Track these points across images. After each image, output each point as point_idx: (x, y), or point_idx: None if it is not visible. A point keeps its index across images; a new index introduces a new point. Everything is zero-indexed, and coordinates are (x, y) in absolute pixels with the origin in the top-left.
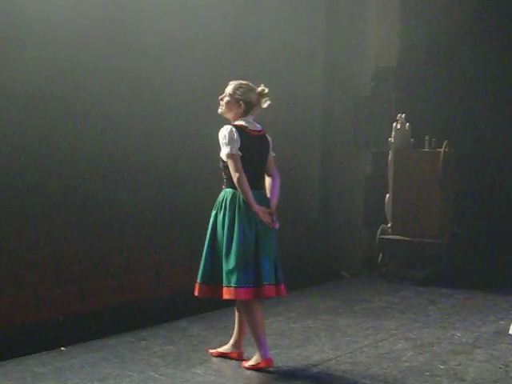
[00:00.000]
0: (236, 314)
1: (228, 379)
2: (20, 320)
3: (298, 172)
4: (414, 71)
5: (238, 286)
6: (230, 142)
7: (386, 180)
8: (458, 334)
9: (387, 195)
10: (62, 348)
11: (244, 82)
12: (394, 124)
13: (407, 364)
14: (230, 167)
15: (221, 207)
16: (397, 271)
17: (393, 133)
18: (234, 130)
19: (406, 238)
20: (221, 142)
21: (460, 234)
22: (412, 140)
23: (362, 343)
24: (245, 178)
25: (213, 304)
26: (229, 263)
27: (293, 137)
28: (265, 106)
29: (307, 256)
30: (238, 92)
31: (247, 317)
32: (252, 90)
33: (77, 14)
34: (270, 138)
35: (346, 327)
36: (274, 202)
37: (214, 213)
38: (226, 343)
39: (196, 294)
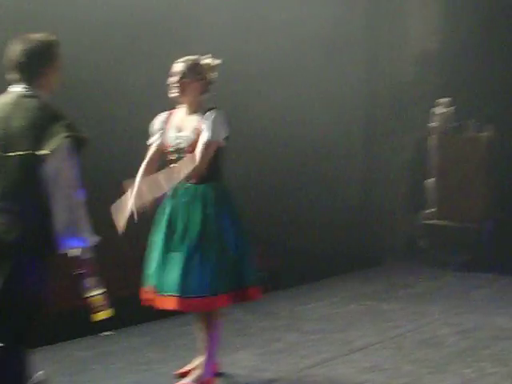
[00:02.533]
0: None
1: (271, 364)
2: (65, 305)
3: (340, 158)
4: (458, 54)
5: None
6: (225, 126)
7: (429, 165)
8: (501, 320)
9: (430, 180)
10: (107, 333)
11: (195, 58)
12: (437, 108)
13: (450, 349)
14: (207, 152)
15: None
16: (440, 256)
17: (436, 117)
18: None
19: (449, 223)
20: (212, 126)
21: (503, 218)
22: (455, 124)
23: (405, 328)
24: None
25: None
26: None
27: (334, 123)
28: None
29: (350, 241)
30: (197, 69)
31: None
32: (205, 65)
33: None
34: None
35: (389, 312)
36: None
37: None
38: (269, 329)
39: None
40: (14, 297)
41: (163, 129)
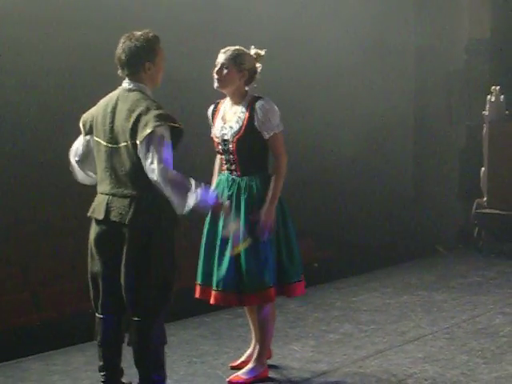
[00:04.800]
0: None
1: (325, 355)
2: None
3: (392, 148)
4: (508, 42)
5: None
6: (279, 117)
7: (480, 154)
8: None
9: (482, 169)
10: None
11: (239, 47)
12: (489, 97)
13: (505, 339)
14: (278, 145)
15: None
16: (493, 245)
17: (487, 106)
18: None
19: (502, 212)
20: (271, 118)
21: None
22: (507, 112)
23: (459, 318)
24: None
25: (308, 281)
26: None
27: (385, 112)
28: (258, 71)
29: (402, 231)
30: (238, 59)
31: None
32: (250, 55)
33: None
34: None
35: (442, 302)
36: None
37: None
38: (322, 320)
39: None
40: (140, 273)
41: (211, 120)
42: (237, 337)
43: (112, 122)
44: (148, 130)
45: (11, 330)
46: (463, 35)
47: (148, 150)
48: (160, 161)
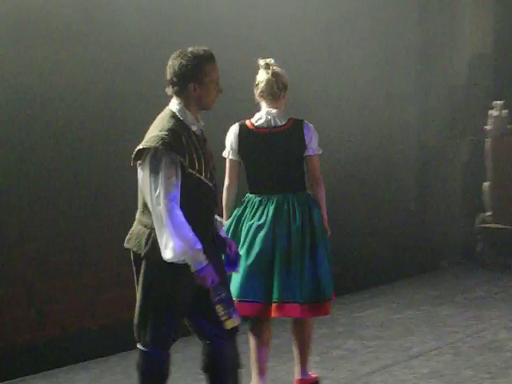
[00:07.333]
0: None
1: (330, 371)
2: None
3: (394, 162)
4: (511, 57)
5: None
6: (227, 144)
7: (483, 168)
8: None
9: (485, 183)
10: None
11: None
12: (491, 111)
13: (510, 354)
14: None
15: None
16: (497, 260)
17: (489, 120)
18: (233, 129)
19: (505, 226)
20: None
21: None
22: (509, 127)
23: (464, 333)
24: (228, 189)
25: None
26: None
27: (388, 127)
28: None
29: (405, 246)
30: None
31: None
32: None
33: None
34: (306, 133)
35: (446, 317)
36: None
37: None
38: (327, 336)
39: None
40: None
41: None
42: (243, 353)
43: None
44: (139, 147)
45: (16, 347)
46: (465, 50)
47: (144, 171)
48: (163, 194)
